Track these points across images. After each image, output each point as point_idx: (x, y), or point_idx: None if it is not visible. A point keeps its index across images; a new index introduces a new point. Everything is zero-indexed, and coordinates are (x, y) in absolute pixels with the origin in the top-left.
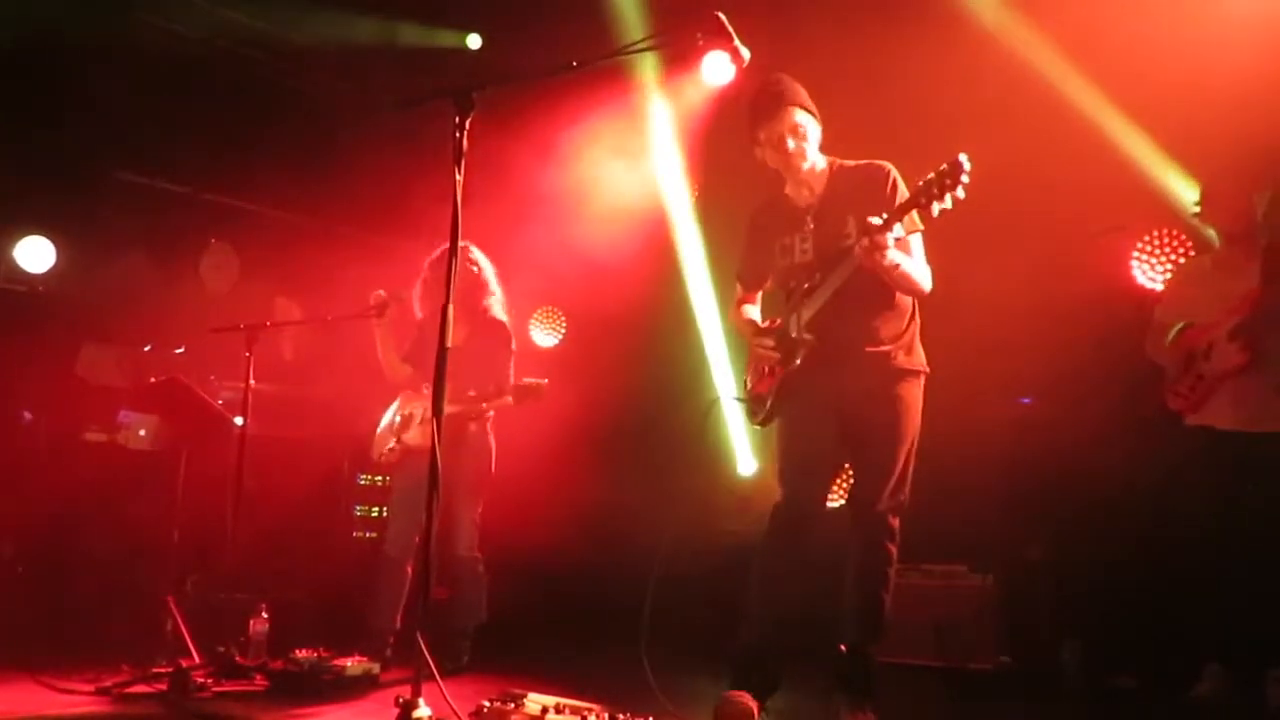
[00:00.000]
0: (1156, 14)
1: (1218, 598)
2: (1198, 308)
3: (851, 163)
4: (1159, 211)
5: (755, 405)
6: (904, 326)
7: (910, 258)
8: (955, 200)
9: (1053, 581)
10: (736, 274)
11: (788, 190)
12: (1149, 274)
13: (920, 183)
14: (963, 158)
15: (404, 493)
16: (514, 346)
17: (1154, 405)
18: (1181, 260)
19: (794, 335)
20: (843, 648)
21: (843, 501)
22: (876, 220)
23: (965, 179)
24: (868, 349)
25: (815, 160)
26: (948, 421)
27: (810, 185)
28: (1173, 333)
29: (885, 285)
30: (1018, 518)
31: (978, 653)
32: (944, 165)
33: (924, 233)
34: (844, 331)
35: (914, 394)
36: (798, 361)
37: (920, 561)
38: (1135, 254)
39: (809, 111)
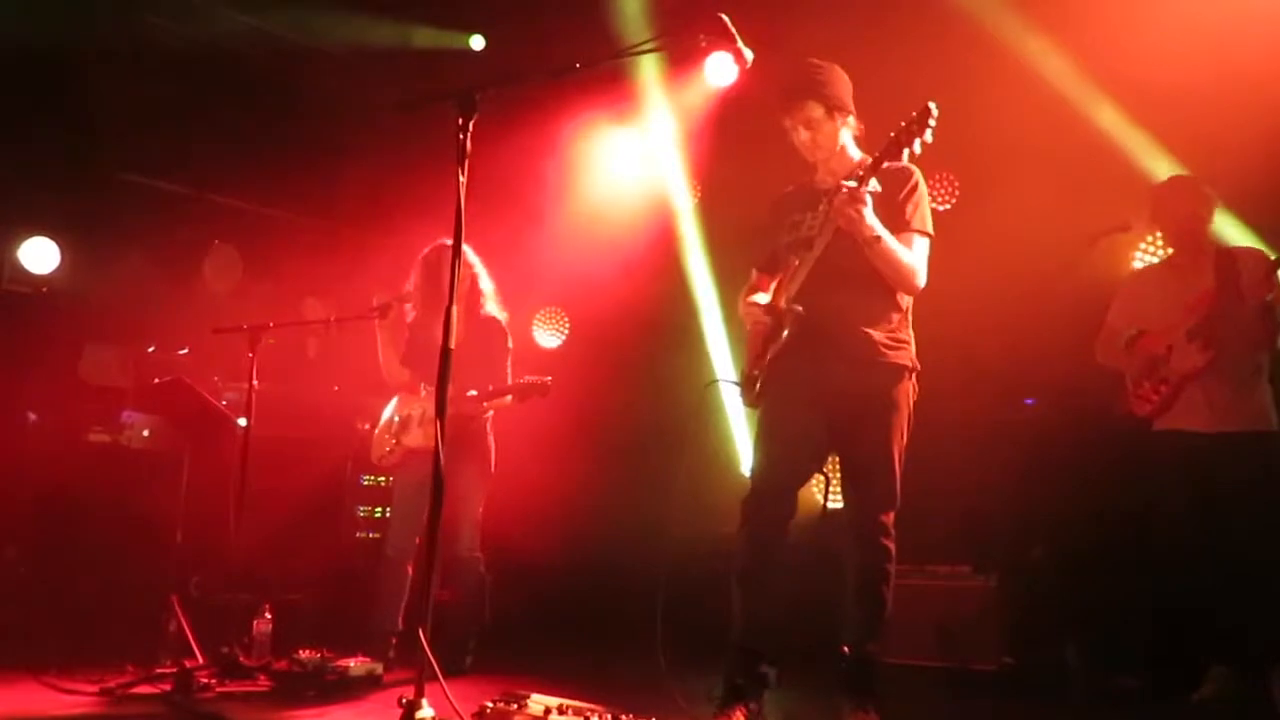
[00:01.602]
0: (1161, 15)
1: (1222, 599)
2: (1151, 313)
3: (884, 164)
4: None
5: (747, 385)
6: (896, 320)
7: (908, 249)
8: (924, 144)
9: (1056, 582)
10: (752, 258)
11: (818, 176)
12: None
13: (891, 134)
14: (931, 105)
15: (404, 494)
16: (511, 344)
17: (1120, 411)
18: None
19: (783, 306)
20: (845, 649)
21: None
22: (851, 183)
23: (932, 123)
24: (855, 336)
25: (846, 150)
26: (952, 422)
27: (837, 175)
28: (1124, 340)
29: (876, 272)
30: (1021, 519)
31: (981, 653)
32: (914, 113)
33: (932, 238)
34: (832, 311)
35: (904, 391)
36: (785, 334)
37: (924, 562)
38: (1138, 255)
39: (831, 104)
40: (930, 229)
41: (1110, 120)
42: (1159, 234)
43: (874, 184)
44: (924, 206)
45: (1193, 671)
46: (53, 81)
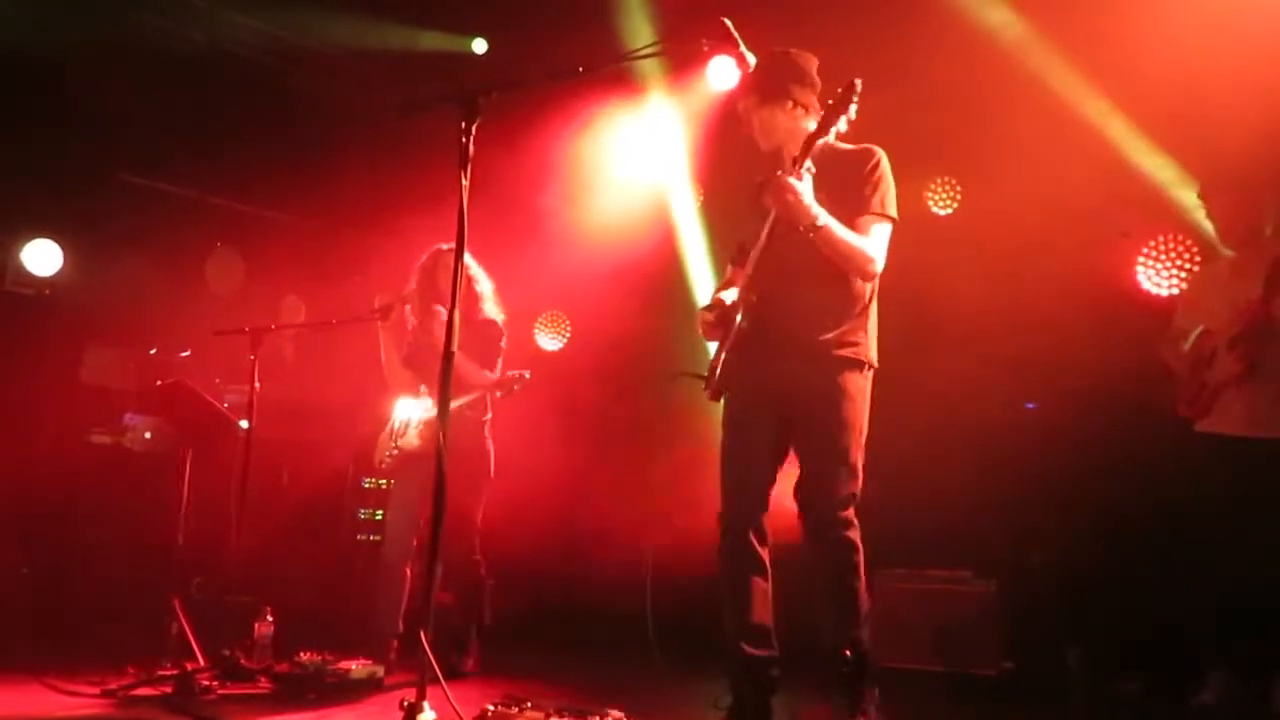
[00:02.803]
0: (1165, 19)
1: (1224, 603)
2: (1213, 313)
3: (847, 146)
4: (1165, 217)
5: (708, 378)
6: (853, 312)
7: (861, 234)
8: (849, 121)
9: (1057, 586)
10: (729, 253)
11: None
12: (1154, 280)
13: (822, 111)
14: (856, 81)
15: (402, 497)
16: (504, 344)
17: (1166, 412)
18: (1188, 266)
19: (735, 298)
20: (846, 652)
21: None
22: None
23: (856, 98)
24: (803, 333)
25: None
26: (952, 427)
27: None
28: (1191, 339)
29: (827, 260)
30: (1022, 523)
31: (981, 658)
32: (839, 89)
33: (896, 224)
34: (781, 303)
35: (857, 385)
36: (739, 319)
37: (924, 566)
38: (1140, 260)
39: (765, 92)
40: (893, 212)
41: (1114, 125)
42: (1165, 237)
43: (809, 165)
44: (885, 188)
45: (1193, 675)
46: (55, 84)
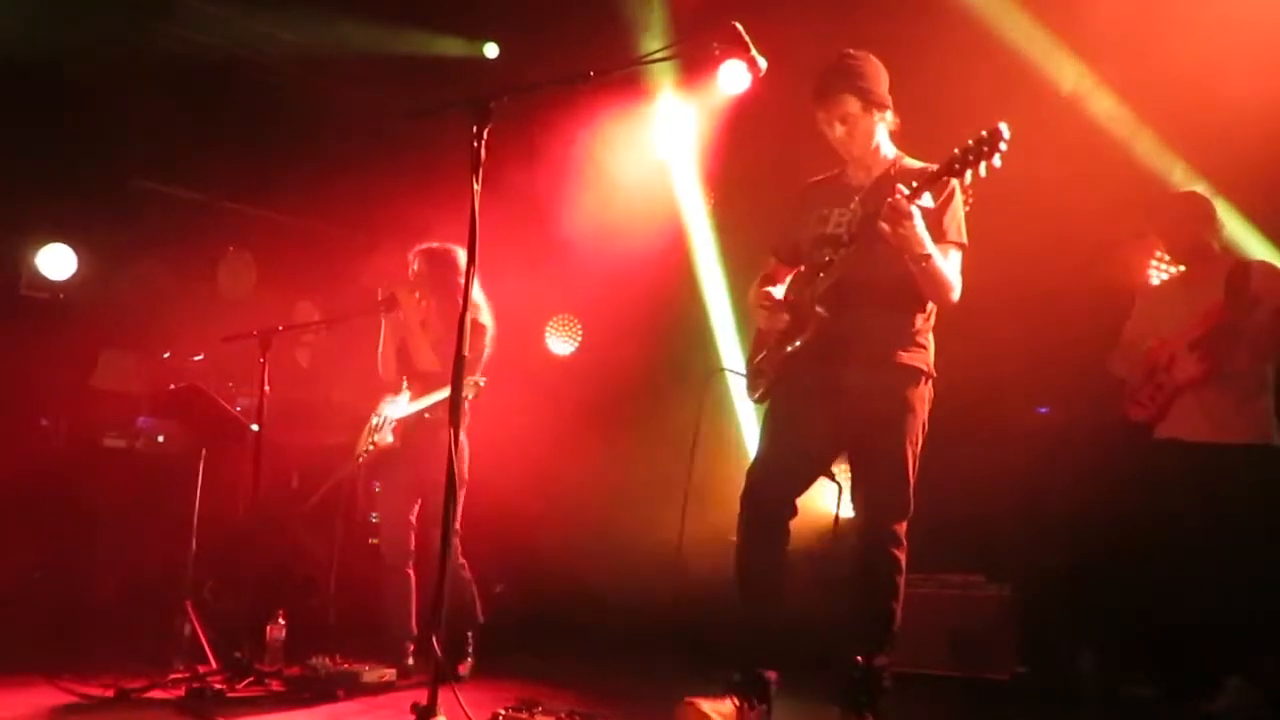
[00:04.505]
0: (1181, 21)
1: (1237, 607)
2: (1165, 324)
3: (919, 163)
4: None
5: (755, 379)
6: (918, 322)
7: (946, 260)
8: (990, 169)
9: (1070, 591)
10: (771, 246)
11: (849, 170)
12: None
13: (955, 150)
14: (1003, 126)
15: (387, 498)
16: (487, 349)
17: (1117, 416)
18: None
19: (807, 306)
20: (859, 659)
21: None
22: (904, 189)
23: (1004, 146)
24: (875, 342)
25: (881, 148)
26: (966, 431)
27: (869, 170)
28: (1140, 352)
29: (908, 280)
30: (1035, 528)
31: (995, 663)
32: (983, 132)
33: (965, 249)
34: (855, 319)
35: (918, 395)
36: (801, 339)
37: (937, 571)
38: (1154, 263)
39: (869, 99)
40: (965, 239)
41: (1128, 127)
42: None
43: (927, 199)
44: (960, 216)
45: (1207, 682)
46: (68, 90)
